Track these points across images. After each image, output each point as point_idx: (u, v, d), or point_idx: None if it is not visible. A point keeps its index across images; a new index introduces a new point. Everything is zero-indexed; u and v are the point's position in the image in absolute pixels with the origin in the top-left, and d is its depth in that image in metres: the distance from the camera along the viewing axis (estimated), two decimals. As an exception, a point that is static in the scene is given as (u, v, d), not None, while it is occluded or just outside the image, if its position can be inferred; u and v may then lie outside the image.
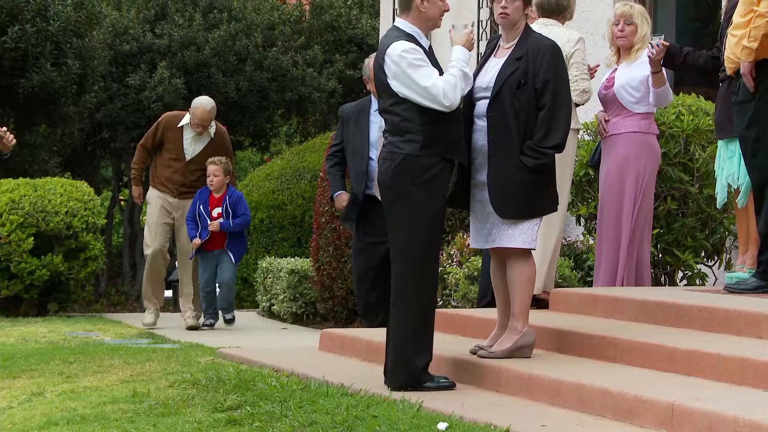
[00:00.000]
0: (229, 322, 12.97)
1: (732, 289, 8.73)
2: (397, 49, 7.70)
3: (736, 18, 8.60)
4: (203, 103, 13.07)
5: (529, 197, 7.80)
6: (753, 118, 8.47)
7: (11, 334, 12.14)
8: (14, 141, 9.54)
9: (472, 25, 14.84)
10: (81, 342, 11.48)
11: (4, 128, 9.52)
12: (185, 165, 13.06)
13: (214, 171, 12.82)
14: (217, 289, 13.09)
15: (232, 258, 12.93)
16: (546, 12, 9.52)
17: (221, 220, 12.79)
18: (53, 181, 15.07)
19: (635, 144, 9.59)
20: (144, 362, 9.58)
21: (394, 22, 17.30)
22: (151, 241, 13.08)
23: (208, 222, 12.82)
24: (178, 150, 13.07)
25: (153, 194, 13.20)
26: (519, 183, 7.77)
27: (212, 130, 13.11)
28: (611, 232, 9.61)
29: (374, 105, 10.37)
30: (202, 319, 13.08)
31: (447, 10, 7.90)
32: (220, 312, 13.08)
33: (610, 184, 9.64)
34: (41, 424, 7.77)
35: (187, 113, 13.14)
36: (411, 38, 7.76)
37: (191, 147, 13.07)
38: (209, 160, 12.88)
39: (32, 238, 14.20)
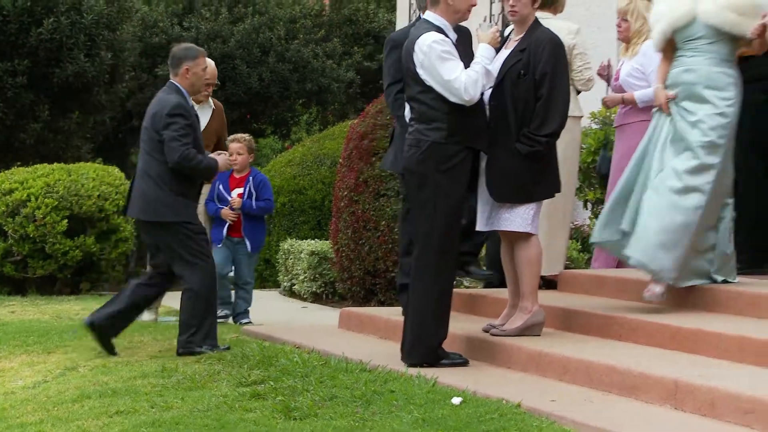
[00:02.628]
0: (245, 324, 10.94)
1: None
2: (428, 40, 7.69)
3: None
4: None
5: (523, 183, 7.79)
6: None
7: (46, 311, 12.15)
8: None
9: (485, 20, 14.90)
10: (112, 319, 11.46)
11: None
12: None
13: (238, 149, 11.28)
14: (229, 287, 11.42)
15: (249, 246, 11.25)
16: (539, 6, 9.41)
17: (242, 200, 11.22)
18: (86, 166, 15.05)
19: (641, 132, 9.53)
20: (172, 339, 9.55)
21: (410, 16, 17.29)
22: None
23: (227, 203, 11.23)
24: None
25: None
26: (514, 169, 7.76)
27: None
28: None
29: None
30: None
31: (474, 5, 7.89)
32: (229, 315, 11.24)
33: (622, 170, 9.56)
34: (75, 397, 7.76)
35: None
36: (440, 30, 7.76)
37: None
38: (231, 137, 11.38)
39: (66, 221, 14.20)
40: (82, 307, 12.44)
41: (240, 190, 11.23)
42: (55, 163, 15.21)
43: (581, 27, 9.64)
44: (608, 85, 9.79)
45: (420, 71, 7.70)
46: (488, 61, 7.72)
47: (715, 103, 7.81)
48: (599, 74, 9.79)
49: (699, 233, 7.84)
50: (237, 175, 11.32)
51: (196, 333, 8.93)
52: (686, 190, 7.78)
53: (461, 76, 7.58)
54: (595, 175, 10.61)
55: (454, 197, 7.61)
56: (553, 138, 7.83)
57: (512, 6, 7.93)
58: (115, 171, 15.20)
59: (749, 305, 7.61)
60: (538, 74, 7.74)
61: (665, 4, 7.99)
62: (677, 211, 7.77)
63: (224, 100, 19.64)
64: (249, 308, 11.26)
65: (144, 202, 9.08)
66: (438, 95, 7.64)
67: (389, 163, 9.05)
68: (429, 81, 7.67)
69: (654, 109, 8.09)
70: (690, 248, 7.82)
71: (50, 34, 16.72)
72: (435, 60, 7.63)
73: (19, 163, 16.15)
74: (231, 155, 10.77)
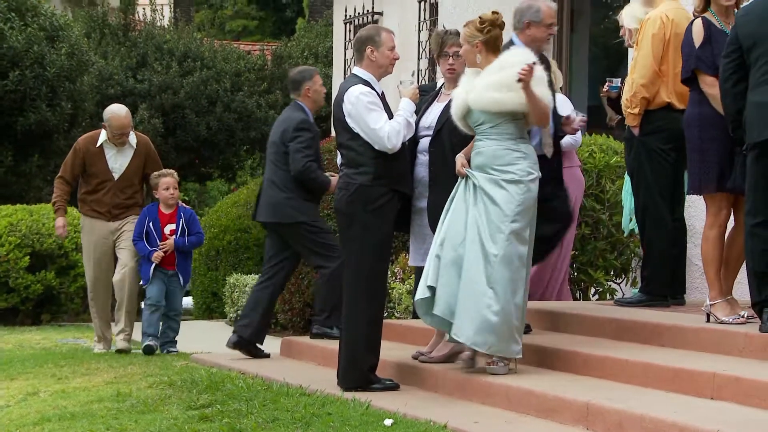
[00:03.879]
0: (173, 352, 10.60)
1: (620, 302, 8.80)
2: (355, 92, 7.73)
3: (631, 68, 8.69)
4: (115, 110, 10.71)
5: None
6: (636, 154, 8.61)
7: (9, 341, 12.02)
8: None
9: (413, 74, 14.94)
10: (71, 348, 11.37)
11: None
12: (115, 184, 10.65)
13: (172, 183, 10.55)
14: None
15: (182, 280, 10.64)
16: None
17: (175, 237, 10.54)
18: (47, 207, 14.93)
19: (568, 179, 9.57)
20: (126, 366, 9.50)
21: (344, 71, 17.35)
22: (92, 271, 10.79)
23: (158, 241, 10.48)
24: (104, 171, 10.64)
25: (86, 222, 10.83)
26: None
27: (133, 140, 10.70)
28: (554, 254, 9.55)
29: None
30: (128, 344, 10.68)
31: (396, 59, 7.93)
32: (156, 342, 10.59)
33: None
34: (36, 421, 7.68)
35: (102, 131, 10.74)
36: (366, 83, 7.79)
37: (117, 164, 10.66)
38: (161, 172, 10.62)
39: (28, 257, 14.10)
40: (42, 337, 12.33)
41: (172, 227, 10.56)
42: (17, 204, 15.09)
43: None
44: None
45: (348, 120, 7.73)
46: (409, 114, 7.76)
47: (510, 183, 7.40)
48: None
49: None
50: (167, 211, 10.60)
51: (330, 317, 9.28)
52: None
53: (385, 126, 7.63)
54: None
55: (379, 234, 7.62)
56: None
57: (451, 65, 7.96)
58: (74, 211, 15.06)
59: (652, 335, 7.66)
60: None
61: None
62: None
63: (175, 146, 19.61)
64: (177, 338, 10.81)
65: (271, 206, 9.52)
66: (365, 142, 7.67)
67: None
68: (356, 129, 7.70)
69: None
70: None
71: (15, 86, 16.64)
72: (362, 110, 7.67)
73: (-17, 204, 16.00)
74: (167, 189, 10.53)
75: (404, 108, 7.79)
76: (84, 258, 10.96)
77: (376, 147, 7.63)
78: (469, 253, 7.39)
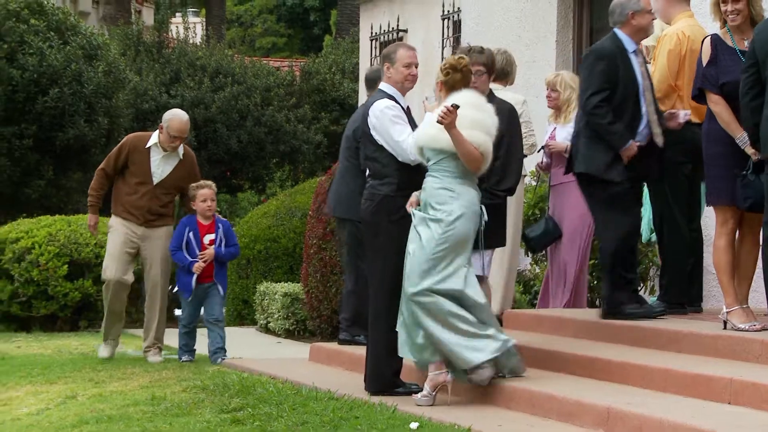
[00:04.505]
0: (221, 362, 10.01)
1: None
2: (380, 106, 7.76)
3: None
4: (177, 113, 10.32)
5: (482, 232, 7.75)
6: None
7: (48, 346, 12.03)
8: None
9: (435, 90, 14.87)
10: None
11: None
12: (153, 189, 10.19)
13: (210, 195, 10.11)
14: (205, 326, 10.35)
15: (221, 290, 10.22)
16: (495, 78, 9.43)
17: (214, 247, 10.13)
18: (84, 218, 14.91)
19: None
20: (161, 370, 9.49)
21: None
22: (113, 270, 10.21)
23: (198, 252, 10.05)
24: (145, 173, 10.19)
25: (116, 222, 10.30)
26: None
27: (181, 151, 10.29)
28: (564, 261, 9.52)
29: (630, 45, 8.37)
30: (160, 356, 10.37)
31: (411, 75, 7.90)
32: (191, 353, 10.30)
33: (572, 224, 9.52)
34: (74, 423, 7.67)
35: (153, 134, 10.32)
36: (391, 98, 7.79)
37: (159, 169, 10.21)
38: (199, 183, 10.17)
39: (66, 266, 14.11)
40: (80, 343, 12.33)
41: (211, 236, 10.11)
42: (56, 215, 15.14)
43: (526, 98, 9.69)
44: (542, 163, 9.78)
45: (373, 132, 7.74)
46: None
47: (433, 222, 7.37)
48: (538, 167, 9.83)
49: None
50: (205, 222, 10.15)
51: (354, 324, 9.33)
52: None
53: (408, 139, 7.61)
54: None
55: (401, 243, 7.55)
56: (510, 193, 7.87)
57: (473, 83, 7.94)
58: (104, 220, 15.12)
59: (670, 341, 7.61)
60: (496, 138, 7.74)
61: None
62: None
63: (207, 159, 19.64)
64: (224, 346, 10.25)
65: (336, 200, 9.47)
66: (389, 154, 7.67)
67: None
68: (381, 141, 7.70)
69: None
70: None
71: (54, 102, 16.72)
72: (386, 123, 7.68)
73: (24, 215, 16.04)
74: (204, 201, 10.07)
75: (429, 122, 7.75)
76: (106, 258, 10.35)
77: (400, 159, 7.63)
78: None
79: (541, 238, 9.58)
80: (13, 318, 14.34)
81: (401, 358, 7.69)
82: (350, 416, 7.04)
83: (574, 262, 9.47)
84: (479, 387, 7.40)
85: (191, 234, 10.07)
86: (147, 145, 10.22)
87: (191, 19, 30.53)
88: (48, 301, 14.16)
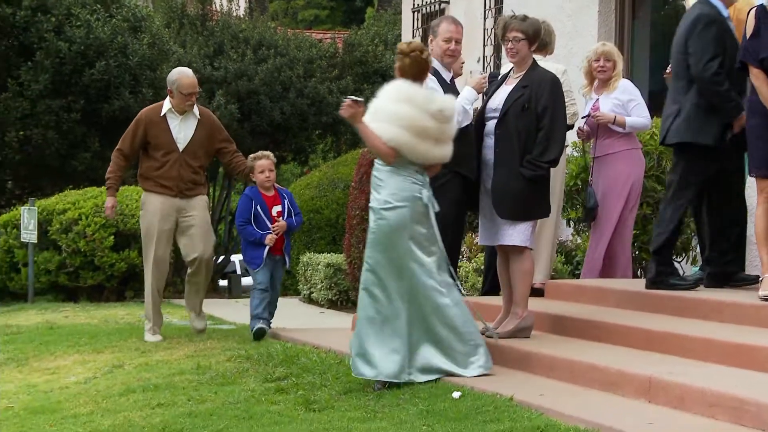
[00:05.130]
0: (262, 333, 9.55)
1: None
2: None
3: None
4: (184, 71, 9.97)
5: (525, 202, 7.74)
6: None
7: (95, 316, 12.14)
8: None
9: (478, 61, 14.84)
10: (153, 323, 11.43)
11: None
12: (180, 156, 9.73)
13: (267, 166, 9.66)
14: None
15: (287, 263, 9.85)
16: (538, 47, 9.36)
17: (285, 218, 9.68)
18: (130, 189, 15.07)
19: (630, 160, 9.52)
20: (206, 340, 9.55)
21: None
22: (152, 252, 9.77)
23: (268, 224, 9.58)
24: (169, 142, 9.74)
25: (150, 198, 9.84)
26: (517, 190, 7.71)
27: (196, 112, 9.85)
28: (606, 232, 9.48)
29: (724, 11, 8.25)
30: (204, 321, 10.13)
31: (451, 50, 7.90)
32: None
33: (614, 194, 9.48)
34: (121, 391, 7.75)
35: (164, 102, 9.92)
36: (434, 71, 7.75)
37: (181, 134, 9.77)
38: (256, 155, 9.76)
39: (112, 237, 14.22)
40: (126, 312, 12.44)
41: (279, 208, 9.65)
42: (102, 187, 15.21)
43: (566, 68, 9.63)
44: (583, 132, 9.71)
45: None
46: (467, 101, 7.75)
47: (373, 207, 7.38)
48: (579, 135, 9.76)
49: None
50: (268, 193, 9.70)
51: None
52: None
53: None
54: (577, 197, 10.55)
55: (441, 211, 7.48)
56: (554, 164, 7.81)
57: (511, 48, 7.89)
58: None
59: (712, 311, 7.57)
60: (540, 108, 7.69)
61: None
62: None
63: (250, 131, 19.66)
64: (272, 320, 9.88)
65: None
66: None
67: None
68: None
69: None
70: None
71: (100, 75, 16.81)
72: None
73: (71, 186, 16.16)
74: (262, 172, 9.65)
75: (464, 96, 7.77)
76: (143, 237, 9.91)
77: None
78: None
79: (595, 209, 9.53)
80: (61, 288, 14.49)
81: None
82: (392, 385, 7.06)
83: (609, 232, 9.43)
84: (519, 356, 7.40)
85: (259, 207, 9.59)
86: (162, 113, 9.81)
87: (234, -9, 30.48)
88: (94, 271, 14.30)
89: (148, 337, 9.83)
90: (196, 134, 9.81)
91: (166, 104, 9.85)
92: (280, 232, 9.59)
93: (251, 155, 9.82)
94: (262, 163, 9.66)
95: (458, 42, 7.97)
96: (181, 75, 9.79)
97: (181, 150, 9.76)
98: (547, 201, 7.90)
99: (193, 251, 9.81)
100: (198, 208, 9.85)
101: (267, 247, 9.55)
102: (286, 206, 9.70)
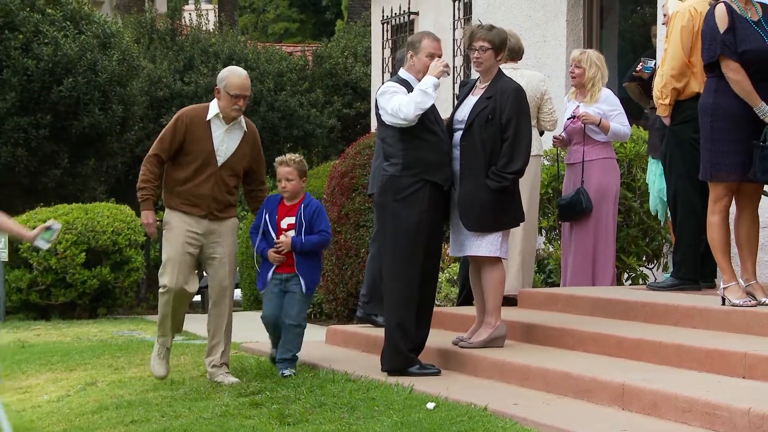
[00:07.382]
0: (287, 377, 8.02)
1: (652, 287, 8.74)
2: (385, 85, 7.85)
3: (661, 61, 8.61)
4: (235, 69, 8.45)
5: (492, 213, 7.74)
6: (667, 143, 8.55)
7: (67, 333, 12.09)
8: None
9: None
10: (126, 340, 11.41)
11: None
12: (218, 172, 8.16)
13: (287, 174, 8.14)
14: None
15: (303, 286, 8.13)
16: (510, 56, 9.35)
17: (292, 233, 8.14)
18: (101, 205, 15.03)
19: (607, 168, 9.58)
20: (179, 356, 9.52)
21: (383, 69, 17.32)
22: (173, 276, 8.07)
23: (274, 237, 8.16)
24: (208, 153, 8.12)
25: (174, 217, 8.19)
26: (483, 201, 7.71)
27: (243, 123, 8.28)
28: (588, 241, 9.51)
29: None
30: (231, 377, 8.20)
31: (436, 63, 7.88)
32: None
33: (608, 202, 9.53)
34: (94, 409, 7.72)
35: (211, 103, 8.28)
36: (404, 82, 7.77)
37: (223, 145, 8.16)
38: (279, 159, 8.24)
39: (84, 254, 14.18)
40: (99, 330, 12.40)
41: (290, 220, 8.15)
42: (73, 204, 15.19)
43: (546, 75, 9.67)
44: (559, 140, 9.75)
45: (381, 112, 7.77)
46: (427, 86, 7.63)
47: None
48: (554, 144, 9.80)
49: None
50: (288, 203, 8.19)
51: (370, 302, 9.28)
52: None
53: (394, 100, 7.60)
54: (548, 206, 10.58)
55: (409, 222, 7.55)
56: (519, 175, 7.79)
57: (477, 58, 7.92)
58: (127, 209, 15.18)
59: (684, 317, 7.60)
60: (504, 119, 7.70)
61: None
62: None
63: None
64: (297, 354, 8.22)
65: (371, 177, 9.11)
66: (395, 134, 7.67)
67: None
68: (386, 119, 7.71)
69: None
70: None
71: (69, 92, 16.77)
72: (381, 98, 7.75)
73: (42, 204, 16.11)
74: (279, 181, 8.20)
75: (424, 82, 7.69)
76: (164, 261, 8.21)
77: (396, 123, 7.61)
78: None
79: (566, 209, 9.53)
80: (33, 306, 14.42)
81: (418, 338, 7.69)
82: (367, 397, 7.06)
83: (608, 237, 9.49)
84: (493, 365, 7.41)
85: (267, 216, 8.17)
86: (207, 118, 8.19)
87: (204, 6, 30.48)
88: (66, 288, 14.24)
89: (155, 370, 8.44)
90: (239, 149, 8.24)
91: (213, 108, 8.22)
92: (283, 249, 8.11)
93: (277, 158, 8.34)
94: (280, 171, 8.19)
95: (440, 57, 7.98)
96: (231, 73, 8.27)
97: (219, 164, 8.18)
98: (515, 210, 7.88)
99: (214, 282, 8.27)
100: (227, 233, 8.28)
101: (273, 266, 8.22)
102: (301, 220, 8.13)
